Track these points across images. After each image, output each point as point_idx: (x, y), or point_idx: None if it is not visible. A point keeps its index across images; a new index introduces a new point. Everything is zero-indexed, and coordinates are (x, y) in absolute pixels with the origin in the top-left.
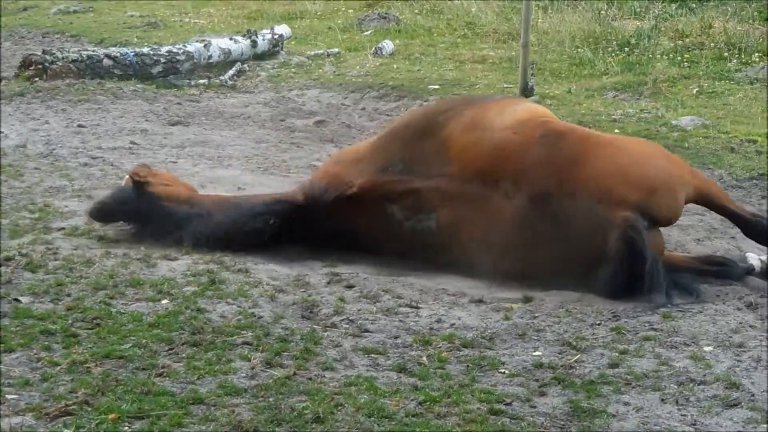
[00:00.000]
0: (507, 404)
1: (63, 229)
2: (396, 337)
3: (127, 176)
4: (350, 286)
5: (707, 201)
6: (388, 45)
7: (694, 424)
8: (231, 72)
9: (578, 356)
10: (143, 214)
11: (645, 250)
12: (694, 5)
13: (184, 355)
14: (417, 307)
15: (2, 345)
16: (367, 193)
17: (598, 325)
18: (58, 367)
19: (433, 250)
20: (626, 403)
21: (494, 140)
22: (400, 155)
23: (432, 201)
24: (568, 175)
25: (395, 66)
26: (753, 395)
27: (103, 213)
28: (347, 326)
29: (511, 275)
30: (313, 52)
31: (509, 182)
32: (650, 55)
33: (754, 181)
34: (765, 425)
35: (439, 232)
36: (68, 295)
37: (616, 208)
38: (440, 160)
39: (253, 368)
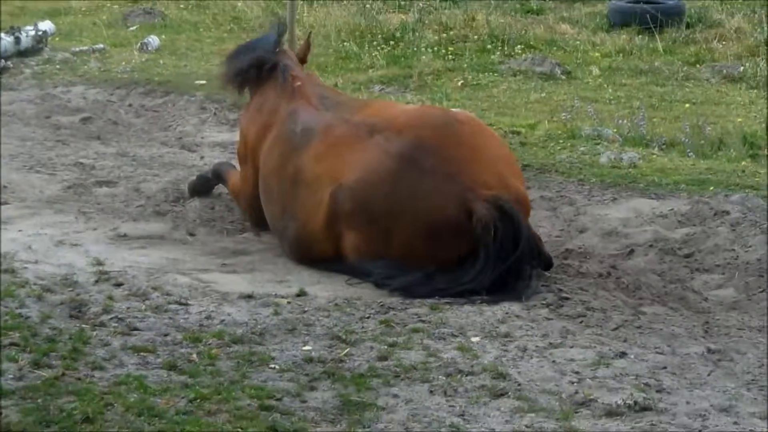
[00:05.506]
0: (277, 399)
1: None
2: (166, 335)
3: None
4: (119, 284)
5: None
6: (153, 40)
7: (462, 415)
8: None
9: (348, 350)
10: None
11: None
12: None
13: None
14: (186, 304)
15: None
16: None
17: (368, 318)
18: None
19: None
20: (395, 396)
21: (401, 107)
22: (337, 100)
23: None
24: (452, 148)
25: (161, 61)
26: (519, 384)
27: None
28: (116, 325)
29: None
30: (78, 48)
31: (394, 132)
32: (415, 49)
33: None
34: (532, 414)
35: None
36: None
37: (486, 190)
38: (354, 112)
39: (20, 369)
